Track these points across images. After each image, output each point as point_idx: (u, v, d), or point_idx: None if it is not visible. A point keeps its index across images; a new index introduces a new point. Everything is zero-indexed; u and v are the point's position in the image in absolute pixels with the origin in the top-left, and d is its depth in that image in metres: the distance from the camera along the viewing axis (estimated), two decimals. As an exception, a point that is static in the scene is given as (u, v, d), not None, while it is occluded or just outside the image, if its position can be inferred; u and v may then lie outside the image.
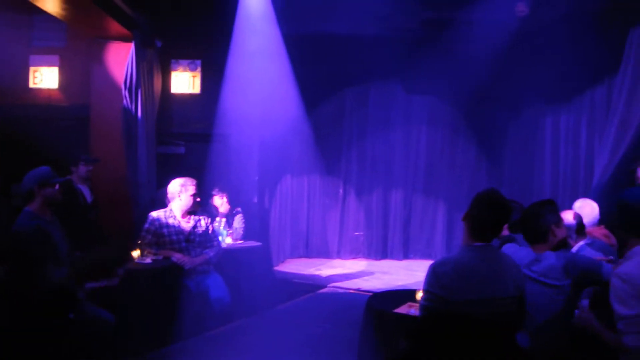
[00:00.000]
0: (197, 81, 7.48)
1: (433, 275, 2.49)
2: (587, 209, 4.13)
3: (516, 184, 8.56)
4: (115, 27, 6.49)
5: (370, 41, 7.46)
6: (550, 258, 2.87)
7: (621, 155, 5.88)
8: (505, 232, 3.71)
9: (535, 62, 7.24)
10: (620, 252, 3.09)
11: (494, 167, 8.86)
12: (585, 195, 7.04)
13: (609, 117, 6.45)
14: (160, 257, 4.69)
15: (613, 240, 3.91)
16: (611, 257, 3.21)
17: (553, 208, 3.05)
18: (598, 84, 6.94)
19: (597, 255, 3.24)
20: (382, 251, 8.97)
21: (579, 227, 3.58)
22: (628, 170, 5.62)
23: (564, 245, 3.03)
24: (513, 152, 8.72)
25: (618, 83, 5.94)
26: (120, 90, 6.58)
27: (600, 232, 4.18)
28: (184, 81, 7.48)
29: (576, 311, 2.63)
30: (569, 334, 2.69)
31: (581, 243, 3.56)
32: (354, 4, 6.60)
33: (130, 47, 6.56)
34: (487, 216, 2.56)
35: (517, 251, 3.13)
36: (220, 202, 6.34)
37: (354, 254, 8.99)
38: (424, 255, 8.91)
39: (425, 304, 2.50)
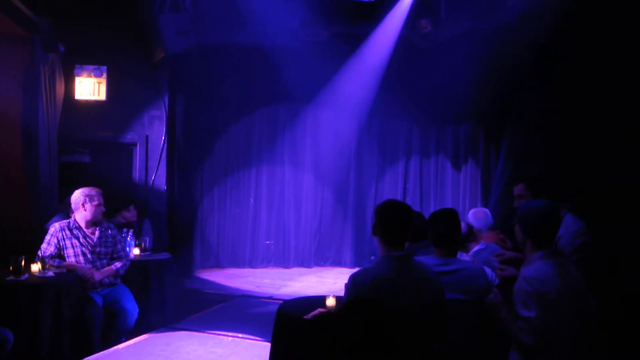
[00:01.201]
0: (103, 87, 7.23)
1: (353, 286, 2.57)
2: (480, 215, 4.53)
3: (418, 192, 9.06)
4: (14, 29, 6.16)
5: (281, 54, 7.55)
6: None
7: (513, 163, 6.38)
8: None
9: (436, 77, 7.63)
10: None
11: (397, 176, 9.23)
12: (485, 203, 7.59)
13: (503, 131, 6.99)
14: (64, 270, 4.52)
15: (509, 244, 4.23)
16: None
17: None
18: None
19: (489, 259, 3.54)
20: (293, 259, 9.07)
21: (470, 234, 3.91)
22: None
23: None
24: (416, 162, 9.17)
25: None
26: (19, 95, 6.25)
27: (497, 237, 4.56)
28: (89, 87, 7.20)
29: (490, 295, 2.82)
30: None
31: (476, 248, 3.87)
32: (264, 16, 6.67)
33: (31, 50, 6.25)
34: (390, 221, 2.68)
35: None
36: (128, 213, 6.18)
37: (265, 262, 9.02)
38: (334, 263, 9.12)
39: (344, 315, 2.60)
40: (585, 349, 2.57)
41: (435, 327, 2.64)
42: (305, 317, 3.39)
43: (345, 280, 2.76)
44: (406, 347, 2.51)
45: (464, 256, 3.62)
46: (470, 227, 4.05)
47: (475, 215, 4.59)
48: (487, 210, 4.79)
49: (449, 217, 3.15)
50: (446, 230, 3.10)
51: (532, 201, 2.88)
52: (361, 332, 2.49)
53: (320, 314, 3.15)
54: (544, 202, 2.77)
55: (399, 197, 8.88)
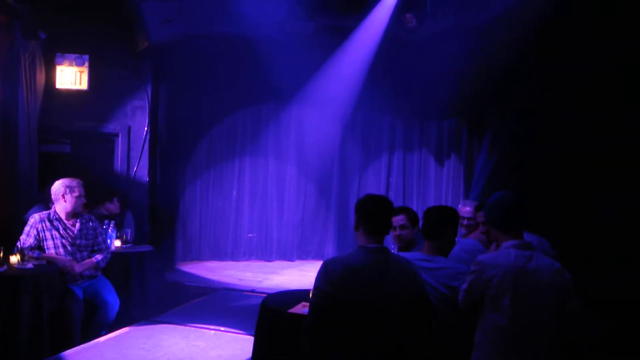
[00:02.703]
0: (85, 77, 7.12)
1: (323, 272, 2.55)
2: (467, 207, 4.62)
3: (401, 186, 9.11)
4: (-7, 15, 6.05)
5: (266, 46, 7.51)
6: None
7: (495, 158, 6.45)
8: None
9: (420, 71, 7.65)
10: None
11: (380, 170, 9.25)
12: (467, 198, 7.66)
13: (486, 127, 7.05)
14: (44, 262, 4.45)
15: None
16: None
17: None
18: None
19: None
20: (275, 252, 9.06)
21: None
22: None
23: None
24: (399, 156, 9.20)
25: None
26: (-3, 83, 6.13)
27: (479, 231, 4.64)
28: (70, 76, 7.08)
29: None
30: None
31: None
32: (249, 6, 6.62)
33: (11, 37, 6.12)
34: (369, 212, 2.67)
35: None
36: (111, 206, 6.11)
37: (247, 255, 8.99)
38: (317, 256, 9.11)
39: (314, 301, 2.54)
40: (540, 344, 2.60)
41: (413, 322, 2.61)
42: (289, 310, 3.39)
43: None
44: (378, 341, 2.49)
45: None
46: None
47: (463, 208, 4.70)
48: (474, 202, 4.84)
49: (443, 214, 3.17)
50: (437, 225, 3.12)
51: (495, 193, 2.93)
52: (327, 322, 2.48)
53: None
54: (504, 191, 2.83)
55: (382, 191, 8.91)
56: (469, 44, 6.69)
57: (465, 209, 4.71)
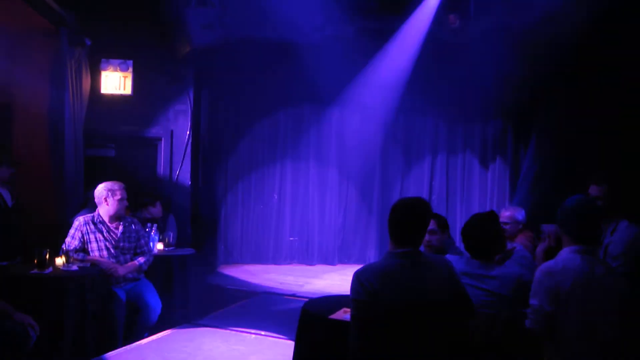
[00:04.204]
0: (129, 82, 7.25)
1: (357, 283, 2.48)
2: (507, 212, 4.47)
3: (445, 189, 8.91)
4: (41, 22, 6.19)
5: (305, 50, 7.49)
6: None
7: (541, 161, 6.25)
8: None
9: (464, 73, 7.48)
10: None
11: (423, 174, 9.08)
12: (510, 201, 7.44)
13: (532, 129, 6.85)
14: (88, 264, 4.50)
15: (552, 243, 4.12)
16: None
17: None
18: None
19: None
20: (317, 256, 8.99)
21: None
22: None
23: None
24: (442, 159, 9.01)
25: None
26: (46, 89, 6.29)
27: (525, 236, 4.47)
28: (115, 81, 7.22)
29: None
30: None
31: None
32: (289, 11, 6.60)
33: (58, 44, 6.28)
34: (402, 219, 2.59)
35: None
36: (154, 210, 6.17)
37: (289, 259, 8.96)
38: (358, 261, 9.00)
39: (354, 314, 2.48)
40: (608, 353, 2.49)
41: (453, 321, 2.56)
42: (330, 316, 3.32)
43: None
44: (420, 343, 2.44)
45: None
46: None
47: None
48: (520, 208, 4.67)
49: (480, 224, 3.05)
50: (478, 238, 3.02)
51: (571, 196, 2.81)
52: (370, 332, 2.43)
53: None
54: (579, 196, 2.75)
55: (425, 195, 8.74)
56: (513, 44, 6.50)
57: (505, 214, 4.56)
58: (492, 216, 3.16)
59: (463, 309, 2.61)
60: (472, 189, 8.91)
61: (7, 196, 5.43)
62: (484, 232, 3.03)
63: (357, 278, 2.49)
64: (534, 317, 2.58)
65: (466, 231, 3.09)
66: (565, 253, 2.62)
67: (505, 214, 4.56)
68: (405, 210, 2.61)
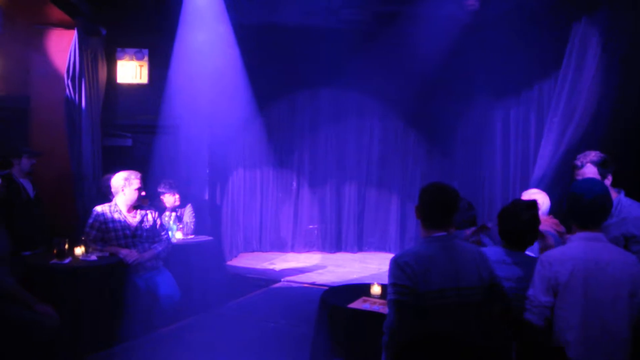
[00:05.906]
0: (145, 71, 7.22)
1: (397, 267, 2.46)
2: (538, 199, 4.26)
3: (467, 177, 8.69)
4: (57, 13, 6.19)
5: (321, 34, 7.39)
6: None
7: (564, 147, 6.03)
8: None
9: (485, 56, 7.32)
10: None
11: (445, 160, 8.94)
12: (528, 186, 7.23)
13: (553, 110, 6.61)
14: (107, 254, 4.51)
15: (562, 228, 3.99)
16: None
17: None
18: (546, 78, 7.08)
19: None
20: (336, 244, 8.94)
21: None
22: (570, 162, 5.80)
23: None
24: (465, 144, 8.82)
25: (562, 76, 6.07)
26: (62, 80, 6.28)
27: (550, 222, 4.30)
28: (131, 71, 7.20)
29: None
30: None
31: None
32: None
33: (73, 34, 6.26)
34: (433, 203, 2.57)
35: None
36: (171, 199, 6.16)
37: (308, 247, 8.93)
38: (378, 248, 8.96)
39: (395, 298, 2.43)
40: (614, 343, 2.36)
41: (489, 308, 2.56)
42: (348, 305, 3.29)
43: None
44: (457, 329, 2.45)
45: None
46: None
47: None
48: (544, 193, 4.52)
49: (513, 212, 2.93)
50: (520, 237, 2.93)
51: (578, 181, 2.73)
52: (408, 316, 2.41)
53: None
54: (588, 180, 2.67)
55: (447, 178, 8.62)
56: (532, 24, 6.31)
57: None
58: (532, 205, 3.02)
59: (495, 293, 2.59)
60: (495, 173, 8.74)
61: (29, 187, 5.46)
62: (521, 222, 2.90)
63: (396, 262, 2.48)
64: (529, 308, 2.49)
65: (503, 218, 2.97)
66: (571, 241, 2.53)
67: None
68: (437, 194, 2.60)
